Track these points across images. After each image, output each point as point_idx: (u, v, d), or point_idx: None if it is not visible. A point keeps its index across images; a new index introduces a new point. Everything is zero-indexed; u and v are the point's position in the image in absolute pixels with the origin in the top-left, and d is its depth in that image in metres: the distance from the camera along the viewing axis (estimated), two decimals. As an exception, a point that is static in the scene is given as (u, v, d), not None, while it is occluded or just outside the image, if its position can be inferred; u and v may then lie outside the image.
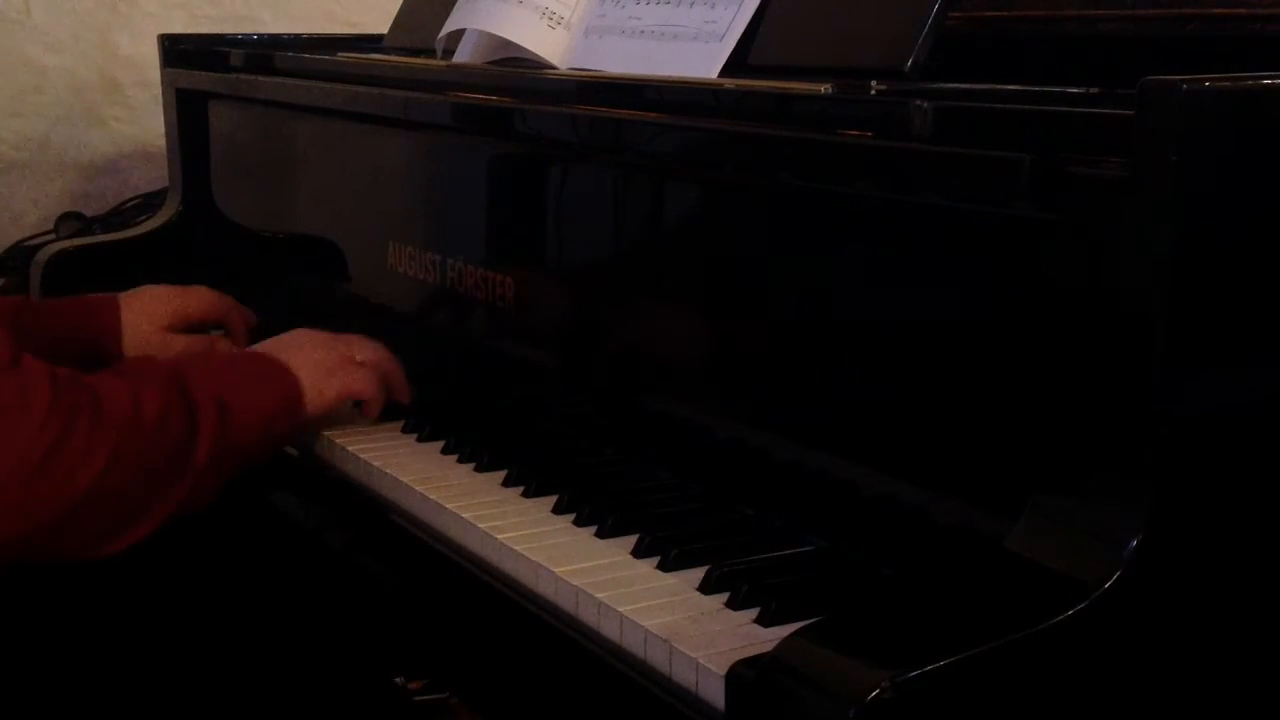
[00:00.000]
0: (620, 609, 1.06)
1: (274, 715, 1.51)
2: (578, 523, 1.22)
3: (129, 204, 2.52)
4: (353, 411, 1.50)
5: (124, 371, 1.32)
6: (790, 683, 0.87)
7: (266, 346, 1.47)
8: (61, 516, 1.18)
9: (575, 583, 1.11)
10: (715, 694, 0.96)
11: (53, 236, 2.40)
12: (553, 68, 1.52)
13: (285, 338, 1.48)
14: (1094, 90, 1.04)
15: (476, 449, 1.38)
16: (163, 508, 1.26)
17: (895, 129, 1.07)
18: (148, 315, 1.66)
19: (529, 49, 1.53)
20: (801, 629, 0.91)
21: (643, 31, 1.45)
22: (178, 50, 2.16)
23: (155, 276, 2.03)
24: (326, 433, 1.49)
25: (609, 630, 1.07)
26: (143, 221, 2.31)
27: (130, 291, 1.71)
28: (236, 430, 1.31)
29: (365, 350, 1.49)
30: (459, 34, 1.67)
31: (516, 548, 1.18)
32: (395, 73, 1.73)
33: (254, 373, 1.40)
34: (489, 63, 1.61)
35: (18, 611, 1.46)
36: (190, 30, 2.51)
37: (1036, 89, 1.08)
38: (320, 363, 1.43)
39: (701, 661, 0.98)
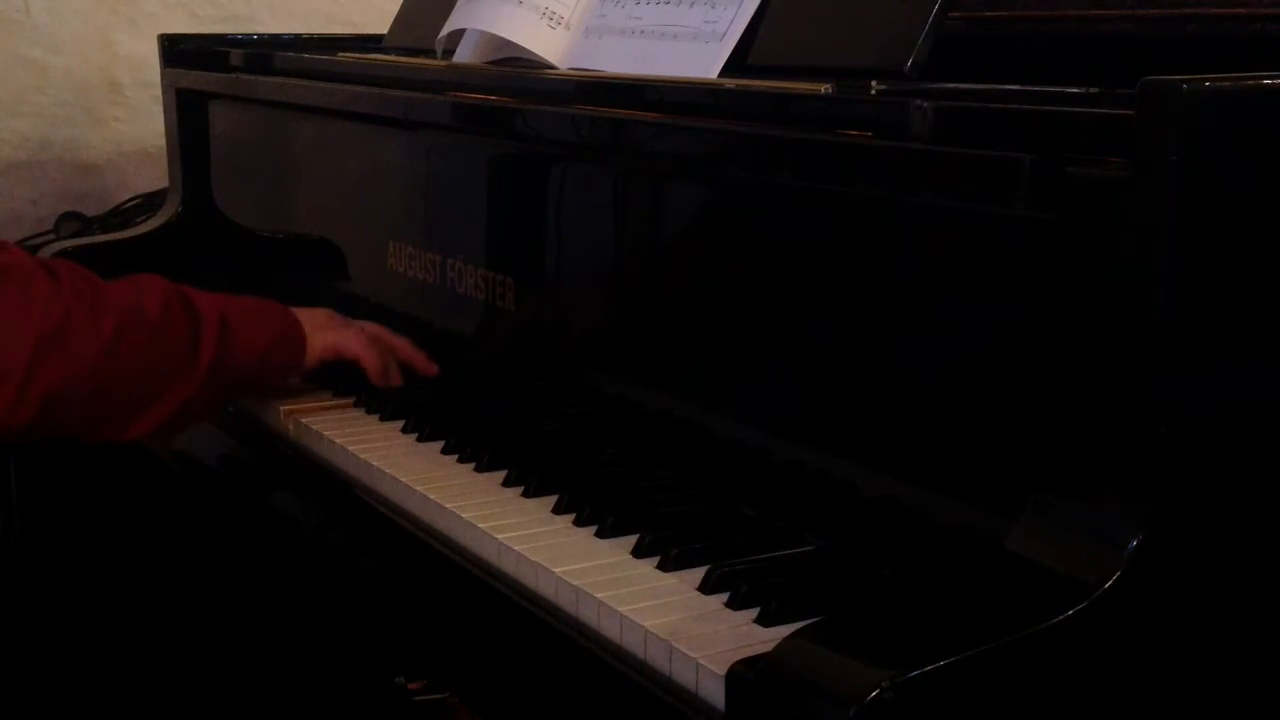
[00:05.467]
0: (620, 609, 1.06)
1: (274, 715, 1.51)
2: (578, 523, 1.22)
3: (129, 204, 2.51)
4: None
5: (126, 279, 1.39)
6: (790, 683, 0.87)
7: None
8: (73, 392, 1.27)
9: (575, 583, 1.11)
10: (715, 694, 0.96)
11: (53, 236, 2.40)
12: (553, 68, 1.52)
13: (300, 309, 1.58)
14: (1094, 90, 1.04)
15: (476, 449, 1.38)
16: (172, 397, 1.35)
17: (895, 129, 1.07)
18: None
19: (529, 49, 1.53)
20: (801, 629, 0.91)
21: (643, 31, 1.45)
22: (178, 50, 2.16)
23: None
24: (328, 433, 1.49)
25: (609, 630, 1.07)
26: (143, 221, 2.31)
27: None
28: (237, 349, 1.41)
29: (369, 325, 1.58)
30: (459, 34, 1.67)
31: (516, 548, 1.18)
32: (395, 73, 1.73)
33: (258, 308, 1.50)
34: (489, 63, 1.61)
35: (18, 611, 1.46)
36: (190, 30, 2.51)
37: (1036, 89, 1.08)
38: (320, 318, 1.54)
39: (701, 661, 0.98)
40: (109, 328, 1.29)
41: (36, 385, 1.23)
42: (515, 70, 1.55)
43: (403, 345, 1.59)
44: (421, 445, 1.45)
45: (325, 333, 1.53)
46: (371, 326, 1.59)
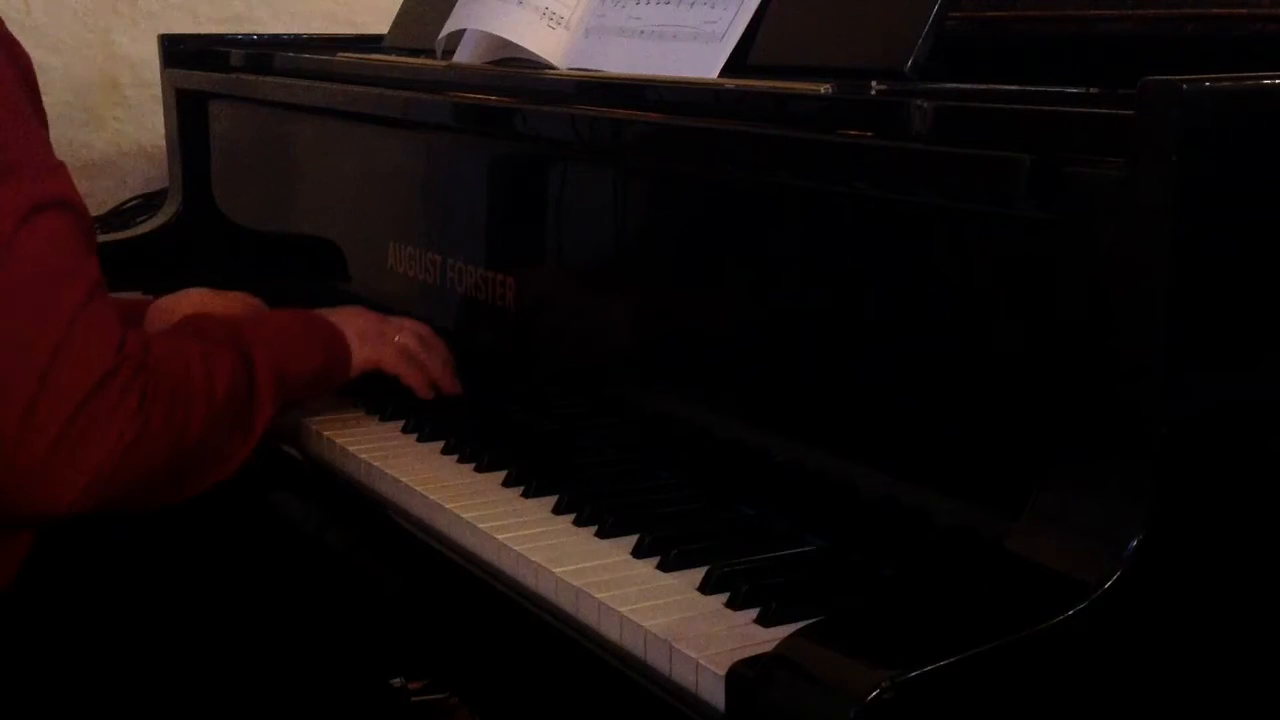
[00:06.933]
0: (620, 609, 1.06)
1: (273, 716, 1.51)
2: (578, 523, 1.22)
3: (129, 204, 2.52)
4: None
5: (193, 333, 1.38)
6: (790, 683, 0.87)
7: (319, 311, 1.56)
8: (141, 482, 1.26)
9: (575, 583, 1.11)
10: (715, 694, 0.96)
11: (53, 236, 2.40)
12: (553, 68, 1.52)
13: (338, 309, 1.57)
14: (1094, 90, 1.04)
15: (476, 449, 1.38)
16: (229, 464, 1.35)
17: (895, 129, 1.07)
18: (170, 317, 1.67)
19: (529, 49, 1.53)
20: (801, 629, 0.91)
21: (643, 31, 1.45)
22: (178, 50, 2.16)
23: (155, 276, 2.03)
24: (327, 433, 1.49)
25: (609, 630, 1.07)
26: (143, 221, 2.31)
27: (167, 297, 1.73)
28: (290, 388, 1.40)
29: (405, 336, 1.55)
30: (459, 34, 1.67)
31: (516, 548, 1.18)
32: (395, 73, 1.73)
33: (309, 334, 1.49)
34: (489, 63, 1.61)
35: (19, 612, 1.46)
36: (190, 30, 2.51)
37: (1036, 89, 1.08)
38: (362, 329, 1.52)
39: (701, 661, 0.98)
40: (180, 434, 1.27)
41: (93, 494, 1.22)
42: (515, 70, 1.55)
43: (434, 363, 1.56)
44: (421, 445, 1.45)
45: (365, 347, 1.51)
46: (408, 333, 1.56)
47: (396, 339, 1.54)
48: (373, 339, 1.52)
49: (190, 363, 1.31)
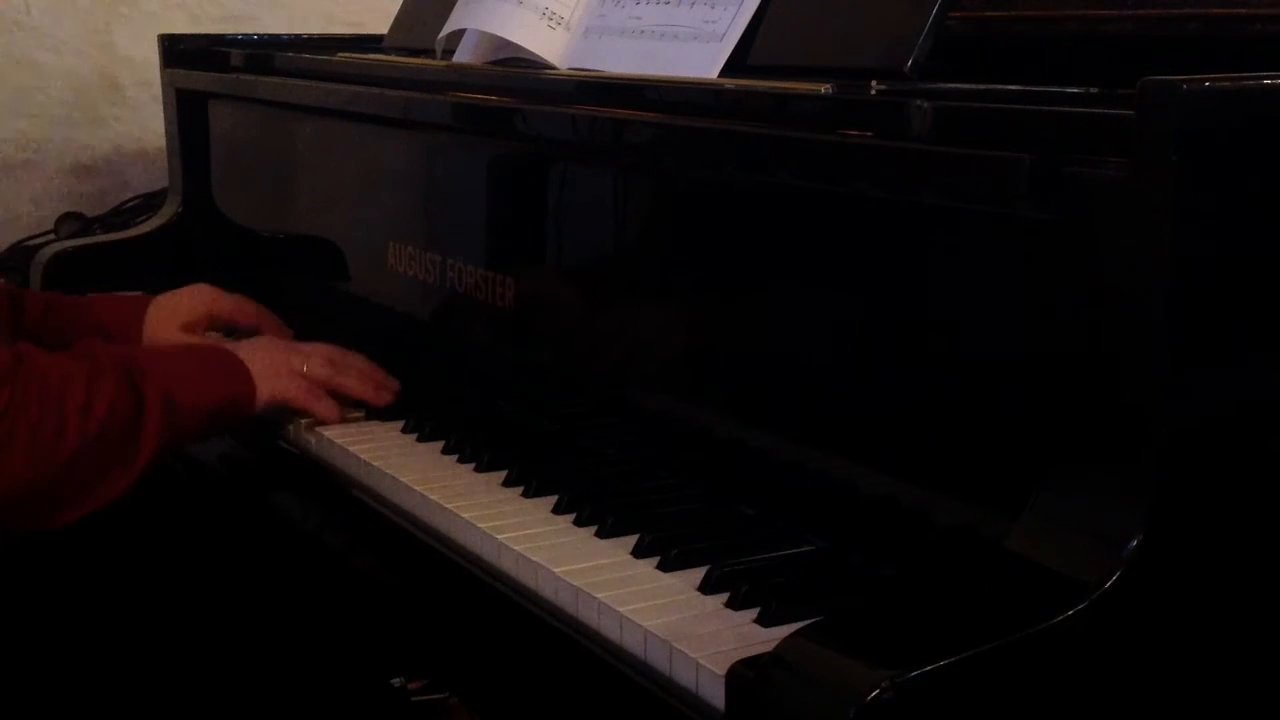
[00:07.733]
0: (620, 609, 1.06)
1: (273, 716, 1.51)
2: (578, 523, 1.22)
3: (129, 204, 2.51)
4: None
5: (82, 355, 1.36)
6: (790, 683, 0.87)
7: (228, 344, 1.54)
8: (8, 496, 1.27)
9: (575, 583, 1.11)
10: (715, 694, 0.96)
11: (53, 236, 2.40)
12: (553, 68, 1.52)
13: (248, 342, 1.56)
14: (1094, 90, 1.04)
15: (476, 449, 1.38)
16: (109, 490, 1.33)
17: (895, 129, 1.07)
18: (172, 311, 1.68)
19: (529, 49, 1.53)
20: (801, 629, 0.91)
21: (643, 31, 1.45)
22: (178, 50, 2.16)
23: (155, 276, 2.04)
24: (327, 432, 1.49)
25: (609, 630, 1.07)
26: (143, 221, 2.31)
27: (170, 293, 1.73)
28: (182, 419, 1.38)
29: (314, 365, 1.53)
30: (459, 34, 1.67)
31: (516, 548, 1.18)
32: (395, 73, 1.73)
33: (208, 366, 1.46)
34: (489, 63, 1.61)
35: (16, 610, 1.46)
36: (190, 30, 2.51)
37: (1036, 89, 1.08)
38: (269, 364, 1.49)
39: (701, 661, 0.98)
40: (43, 448, 1.26)
41: None
42: (515, 70, 1.55)
43: (351, 383, 1.53)
44: (421, 445, 1.45)
45: (272, 382, 1.48)
46: (317, 361, 1.53)
47: (305, 370, 1.51)
48: (282, 374, 1.49)
49: (70, 384, 1.29)
